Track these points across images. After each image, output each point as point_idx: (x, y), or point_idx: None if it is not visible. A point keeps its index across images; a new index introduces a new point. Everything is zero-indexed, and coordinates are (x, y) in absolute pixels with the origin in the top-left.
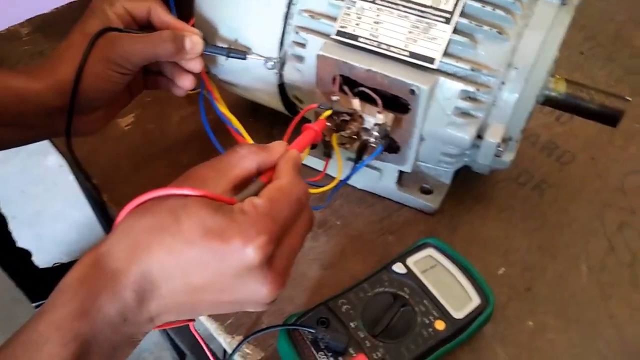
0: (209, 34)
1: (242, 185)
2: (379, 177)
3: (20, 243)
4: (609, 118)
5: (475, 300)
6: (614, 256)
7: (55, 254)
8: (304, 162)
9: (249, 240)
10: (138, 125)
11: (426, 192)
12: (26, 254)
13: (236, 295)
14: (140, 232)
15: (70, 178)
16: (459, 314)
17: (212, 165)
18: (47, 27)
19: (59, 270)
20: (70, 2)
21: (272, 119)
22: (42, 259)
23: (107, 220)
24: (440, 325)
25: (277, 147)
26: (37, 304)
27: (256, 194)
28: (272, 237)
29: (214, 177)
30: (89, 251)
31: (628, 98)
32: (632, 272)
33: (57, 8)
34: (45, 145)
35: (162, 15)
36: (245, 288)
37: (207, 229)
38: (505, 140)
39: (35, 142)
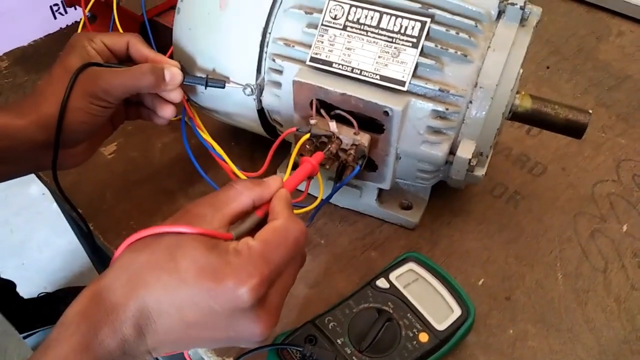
0: (188, 64)
1: (239, 221)
2: (359, 195)
3: (4, 274)
4: (574, 131)
5: (457, 312)
6: (587, 263)
7: (40, 284)
8: None
9: (241, 282)
10: (121, 153)
11: (406, 207)
12: (10, 285)
13: (229, 333)
14: (138, 268)
15: (54, 206)
16: (441, 325)
17: (209, 201)
18: (26, 59)
19: (45, 300)
20: (48, 35)
21: (253, 142)
22: (27, 289)
23: (92, 248)
24: (424, 337)
25: (273, 182)
26: (24, 335)
27: (251, 228)
28: (264, 279)
29: (211, 214)
30: (90, 285)
31: (590, 111)
32: (606, 277)
33: (35, 41)
34: None
35: (141, 49)
36: (238, 327)
37: (201, 268)
38: (476, 155)
39: (20, 176)
